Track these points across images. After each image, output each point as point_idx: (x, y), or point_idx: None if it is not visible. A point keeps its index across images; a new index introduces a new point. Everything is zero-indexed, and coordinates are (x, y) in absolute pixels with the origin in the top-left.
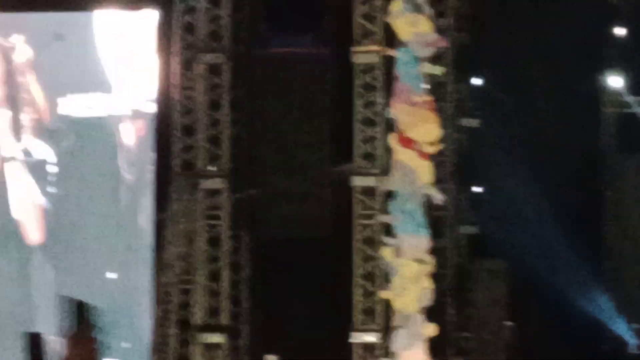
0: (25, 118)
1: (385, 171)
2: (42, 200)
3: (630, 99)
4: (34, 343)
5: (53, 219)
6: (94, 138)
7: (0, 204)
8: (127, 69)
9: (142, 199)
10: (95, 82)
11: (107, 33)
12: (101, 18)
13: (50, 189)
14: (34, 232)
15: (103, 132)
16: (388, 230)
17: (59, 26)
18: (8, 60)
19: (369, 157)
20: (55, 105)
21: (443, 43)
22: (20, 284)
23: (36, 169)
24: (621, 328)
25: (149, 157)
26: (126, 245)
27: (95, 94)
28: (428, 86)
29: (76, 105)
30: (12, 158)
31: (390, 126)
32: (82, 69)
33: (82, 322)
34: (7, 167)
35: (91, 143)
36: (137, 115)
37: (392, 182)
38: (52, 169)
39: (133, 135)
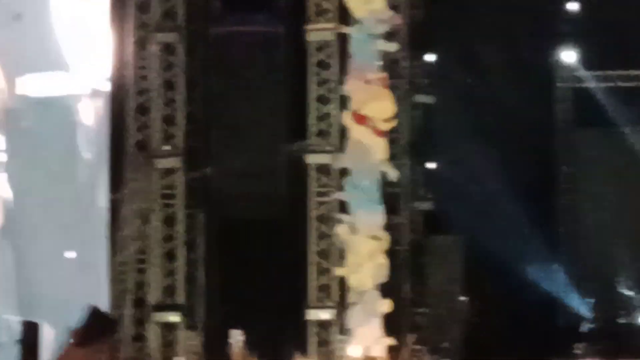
0: None
1: (340, 148)
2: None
3: (583, 73)
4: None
5: (12, 199)
6: (52, 117)
7: None
8: (84, 48)
9: (100, 178)
10: (53, 62)
11: (63, 12)
12: None
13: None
14: None
15: (61, 112)
16: (343, 207)
17: (17, 6)
18: None
19: (323, 134)
20: (14, 85)
21: (397, 20)
22: None
23: None
24: (575, 302)
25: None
26: (83, 224)
27: (53, 74)
28: (382, 63)
29: (34, 85)
30: None
31: (344, 103)
32: (39, 48)
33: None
34: None
35: (49, 122)
36: (94, 94)
37: (347, 160)
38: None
39: (91, 115)
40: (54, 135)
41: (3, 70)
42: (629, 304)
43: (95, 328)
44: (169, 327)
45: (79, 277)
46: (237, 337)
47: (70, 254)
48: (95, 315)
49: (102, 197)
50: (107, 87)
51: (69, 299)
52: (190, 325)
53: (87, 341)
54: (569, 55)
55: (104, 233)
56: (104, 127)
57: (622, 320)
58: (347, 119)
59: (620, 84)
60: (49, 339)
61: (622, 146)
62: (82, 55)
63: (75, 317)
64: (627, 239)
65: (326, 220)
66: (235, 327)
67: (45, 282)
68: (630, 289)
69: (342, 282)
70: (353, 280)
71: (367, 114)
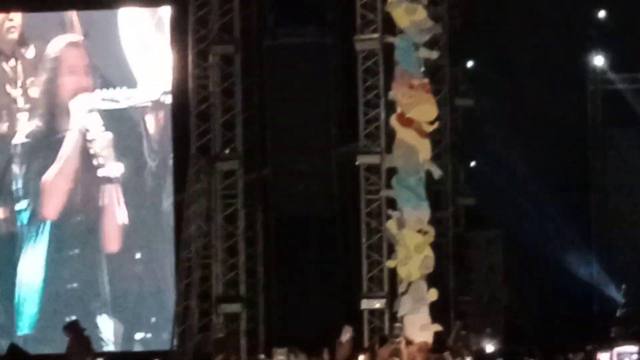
0: None
1: (387, 149)
2: None
3: (613, 76)
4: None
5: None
6: (120, 129)
7: None
8: (147, 63)
9: (164, 182)
10: (119, 77)
11: (127, 30)
12: (122, 16)
13: None
14: None
15: (128, 123)
16: (392, 204)
17: (85, 25)
18: None
19: (372, 136)
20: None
21: (438, 29)
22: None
23: None
24: (610, 289)
25: (169, 143)
26: (151, 226)
27: (120, 89)
28: (424, 69)
29: (102, 99)
30: None
31: (391, 107)
32: (105, 64)
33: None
34: None
35: (118, 133)
36: (157, 105)
37: (394, 159)
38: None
39: (154, 125)
40: (122, 145)
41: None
42: None
43: None
44: (231, 317)
45: (147, 274)
46: (346, 333)
47: (138, 254)
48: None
49: (166, 200)
50: (169, 98)
51: (140, 296)
52: (252, 316)
53: None
54: (599, 60)
55: (169, 233)
56: (166, 136)
57: None
58: (393, 122)
59: None
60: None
61: None
62: (145, 69)
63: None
64: None
65: (376, 216)
66: (292, 317)
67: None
68: None
69: (392, 273)
70: (402, 272)
71: (412, 117)
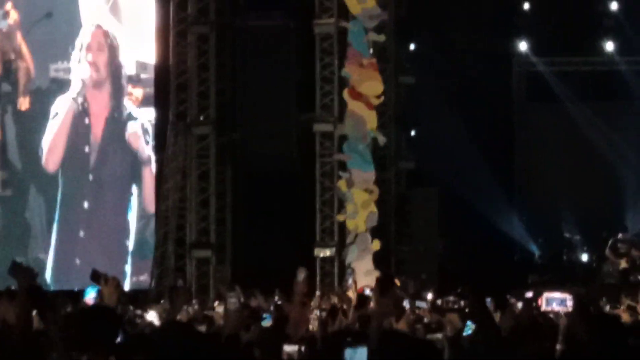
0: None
1: (340, 119)
2: None
3: (534, 59)
4: None
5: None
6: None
7: None
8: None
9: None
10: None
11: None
12: None
13: None
14: None
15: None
16: (342, 166)
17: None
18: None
19: (327, 107)
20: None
21: (384, 16)
22: None
23: None
24: (528, 242)
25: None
26: (136, 180)
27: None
28: (373, 50)
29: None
30: None
31: (344, 83)
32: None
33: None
34: None
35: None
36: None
37: (346, 128)
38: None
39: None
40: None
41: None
42: (571, 243)
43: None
44: (203, 261)
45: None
46: (301, 274)
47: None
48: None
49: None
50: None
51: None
52: (220, 259)
53: None
54: (523, 44)
55: (151, 185)
56: (149, 104)
57: (565, 257)
58: (345, 95)
59: (564, 68)
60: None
61: (566, 118)
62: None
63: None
64: (570, 192)
65: (329, 176)
66: (255, 260)
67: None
68: (571, 231)
69: (341, 226)
70: (350, 225)
71: (362, 91)
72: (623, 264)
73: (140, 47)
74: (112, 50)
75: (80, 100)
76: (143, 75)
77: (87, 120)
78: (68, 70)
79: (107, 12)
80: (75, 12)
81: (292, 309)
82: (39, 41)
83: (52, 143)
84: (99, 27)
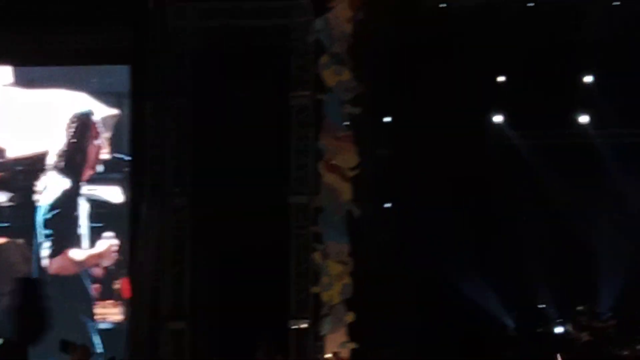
0: None
1: (315, 191)
2: None
3: (510, 133)
4: None
5: None
6: None
7: None
8: None
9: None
10: None
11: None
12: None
13: None
14: None
15: None
16: (318, 238)
17: None
18: None
19: (302, 180)
20: None
21: (360, 89)
22: None
23: None
24: (501, 314)
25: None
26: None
27: None
28: (349, 123)
29: None
30: None
31: (319, 155)
32: None
33: None
34: None
35: None
36: None
37: (321, 200)
38: None
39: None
40: None
41: None
42: (546, 315)
43: None
44: (177, 333)
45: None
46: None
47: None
48: None
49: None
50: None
51: None
52: (195, 332)
53: None
54: (498, 118)
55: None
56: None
57: (540, 330)
58: (321, 167)
59: (539, 141)
60: None
61: (538, 191)
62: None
63: None
64: (544, 261)
65: (304, 248)
66: (230, 334)
67: None
68: (546, 302)
69: (316, 298)
70: (325, 296)
71: (337, 164)
72: (585, 337)
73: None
74: None
75: None
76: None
77: None
78: None
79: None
80: None
81: None
82: None
83: None
84: None
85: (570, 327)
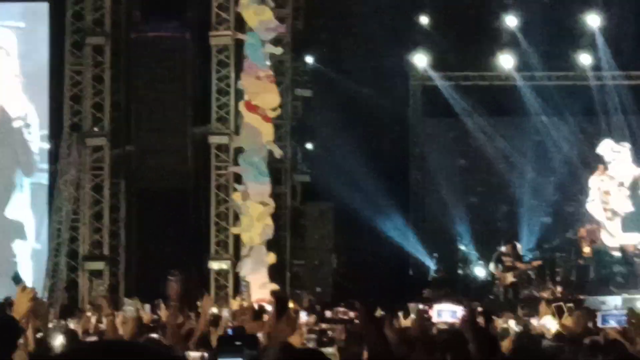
0: None
1: (236, 131)
2: None
3: (432, 74)
4: None
5: None
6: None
7: None
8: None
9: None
10: None
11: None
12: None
13: None
14: None
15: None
16: (238, 178)
17: None
18: None
19: (223, 120)
20: None
21: (282, 29)
22: None
23: None
24: (423, 256)
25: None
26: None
27: None
28: (270, 63)
29: None
30: None
31: (240, 95)
32: None
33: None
34: None
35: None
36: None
37: (241, 140)
38: None
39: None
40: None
41: None
42: (465, 257)
43: None
44: (95, 273)
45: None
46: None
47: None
48: None
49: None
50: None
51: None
52: (113, 272)
53: None
54: (420, 59)
55: (44, 198)
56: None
57: (459, 271)
58: (241, 107)
59: (461, 83)
60: None
61: (462, 133)
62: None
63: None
64: (464, 206)
65: (224, 189)
66: (149, 273)
67: None
68: (465, 245)
69: (236, 239)
70: (245, 237)
71: (258, 104)
72: (510, 278)
73: (35, 55)
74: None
75: None
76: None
77: None
78: None
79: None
80: None
81: (169, 315)
82: None
83: None
84: None
85: (495, 268)
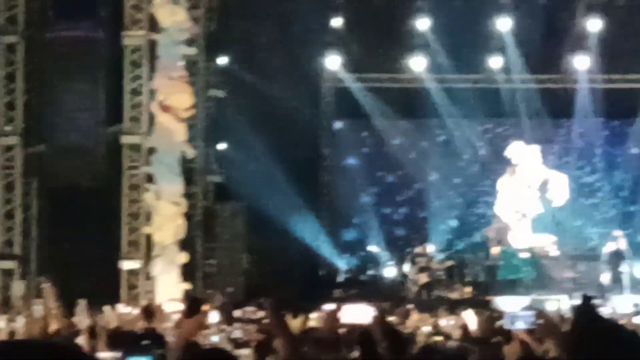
0: None
1: (148, 131)
2: None
3: (344, 75)
4: None
5: None
6: None
7: None
8: None
9: None
10: None
11: None
12: None
13: None
14: None
15: None
16: (150, 178)
17: None
18: None
19: (135, 120)
20: None
21: (195, 30)
22: None
23: None
24: (334, 257)
25: None
26: None
27: None
28: (183, 64)
29: None
30: None
31: (153, 95)
32: None
33: None
34: None
35: None
36: None
37: (154, 140)
38: None
39: None
40: None
41: None
42: (376, 259)
43: None
44: (6, 272)
45: None
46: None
47: None
48: None
49: None
50: None
51: None
52: (25, 272)
53: None
54: (332, 61)
55: None
56: None
57: (370, 272)
58: (154, 108)
59: (373, 84)
60: None
61: (373, 135)
62: None
63: None
64: (375, 207)
65: (136, 188)
66: (59, 272)
67: None
68: (376, 247)
69: (148, 238)
70: (157, 237)
71: (171, 104)
72: (424, 278)
73: None
74: None
75: None
76: None
77: None
78: None
79: None
80: None
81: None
82: None
83: None
84: None
85: (409, 269)
